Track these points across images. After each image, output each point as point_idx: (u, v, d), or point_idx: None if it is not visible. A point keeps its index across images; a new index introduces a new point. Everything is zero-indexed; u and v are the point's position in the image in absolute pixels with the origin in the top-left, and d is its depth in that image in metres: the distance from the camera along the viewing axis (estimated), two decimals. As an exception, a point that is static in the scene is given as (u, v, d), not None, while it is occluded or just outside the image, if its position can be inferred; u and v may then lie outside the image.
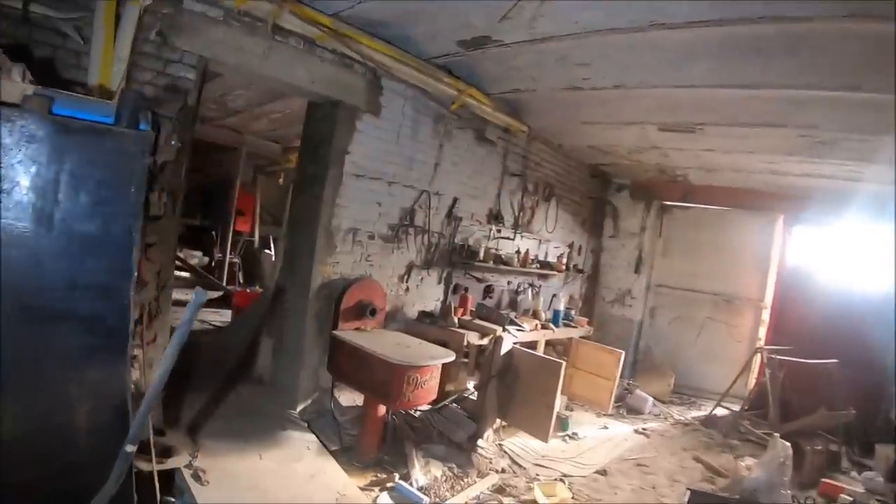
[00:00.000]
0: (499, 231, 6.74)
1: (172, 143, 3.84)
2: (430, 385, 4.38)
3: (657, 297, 9.22)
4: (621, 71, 4.82)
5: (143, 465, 3.39)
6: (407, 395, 4.23)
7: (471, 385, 5.85)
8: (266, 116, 8.63)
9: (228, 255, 10.60)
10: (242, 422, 4.64)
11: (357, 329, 4.92)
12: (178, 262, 10.46)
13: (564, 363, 5.15)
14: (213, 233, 10.92)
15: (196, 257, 11.11)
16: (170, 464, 3.69)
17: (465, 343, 5.27)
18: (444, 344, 5.17)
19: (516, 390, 5.32)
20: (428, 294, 5.95)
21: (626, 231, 9.07)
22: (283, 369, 5.15)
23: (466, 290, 6.24)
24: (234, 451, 4.17)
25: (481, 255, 6.23)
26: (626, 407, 7.37)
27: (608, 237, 9.19)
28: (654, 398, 7.67)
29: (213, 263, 10.87)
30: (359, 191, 5.05)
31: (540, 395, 5.14)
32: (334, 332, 4.77)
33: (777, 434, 5.41)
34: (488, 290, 6.76)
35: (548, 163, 7.44)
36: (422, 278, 5.81)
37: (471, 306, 5.99)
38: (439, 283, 6.04)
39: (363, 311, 4.90)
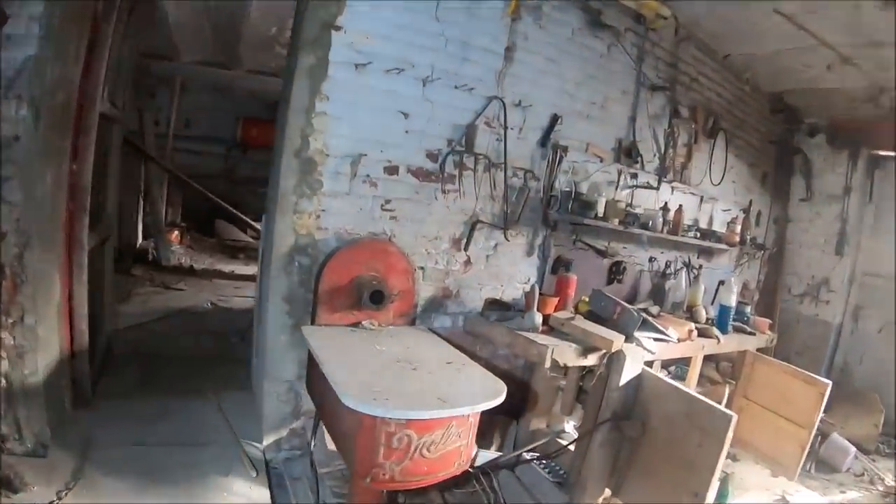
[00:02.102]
0: (634, 176, 3.99)
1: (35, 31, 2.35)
2: (441, 451, 1.96)
3: (864, 292, 5.68)
4: None
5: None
6: (386, 468, 1.88)
7: (569, 426, 3.31)
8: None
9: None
10: (175, 452, 2.68)
11: (354, 325, 2.67)
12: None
13: (735, 417, 2.40)
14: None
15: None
16: (15, 500, 2.26)
17: (547, 362, 2.75)
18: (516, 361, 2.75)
19: (642, 448, 2.70)
20: (509, 272, 3.48)
21: (822, 193, 5.63)
22: (257, 378, 3.08)
23: (568, 267, 3.57)
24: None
25: (600, 209, 3.56)
26: (814, 458, 4.21)
27: (798, 201, 5.82)
28: (856, 445, 4.42)
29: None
30: (363, 91, 2.75)
31: (683, 468, 2.48)
32: (305, 328, 2.57)
33: None
34: (616, 271, 4.06)
35: (708, 80, 4.46)
36: (495, 245, 3.36)
37: (575, 294, 3.33)
38: (529, 253, 3.52)
39: (360, 295, 2.63)
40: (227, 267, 7.44)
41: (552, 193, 3.46)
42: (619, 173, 3.87)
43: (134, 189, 6.56)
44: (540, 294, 3.05)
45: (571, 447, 3.01)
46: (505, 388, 2.12)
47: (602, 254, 3.90)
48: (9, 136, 2.30)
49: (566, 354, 2.75)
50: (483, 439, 3.26)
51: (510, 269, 3.44)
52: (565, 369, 3.07)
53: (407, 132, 2.92)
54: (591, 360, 2.84)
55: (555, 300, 3.15)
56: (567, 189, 3.49)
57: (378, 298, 2.63)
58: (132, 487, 2.40)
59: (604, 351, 2.81)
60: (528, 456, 3.01)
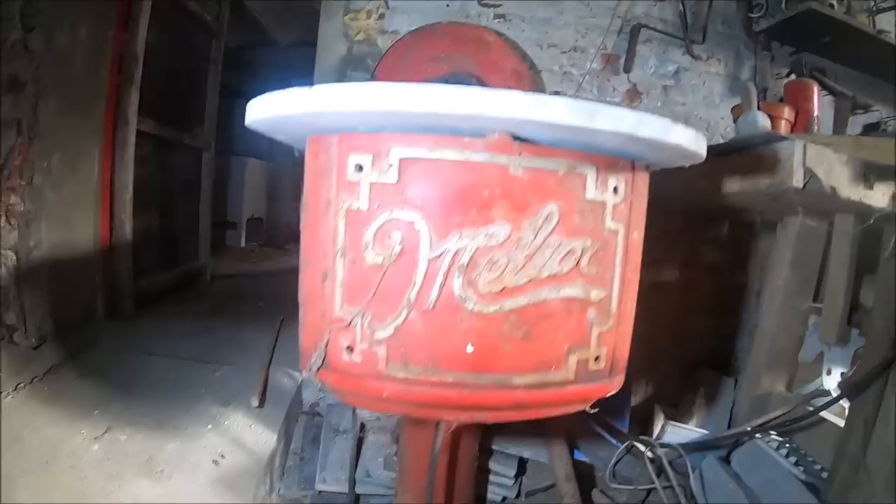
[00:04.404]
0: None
1: None
2: (538, 288, 0.64)
3: None
4: None
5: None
6: (355, 324, 0.64)
7: (831, 381, 1.53)
8: None
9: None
10: (179, 365, 1.83)
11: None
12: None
13: None
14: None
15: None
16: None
17: (797, 176, 1.10)
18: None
19: None
20: (703, 115, 1.89)
21: None
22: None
23: (800, 69, 1.83)
24: (82, 411, 1.52)
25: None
26: None
27: None
28: None
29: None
30: None
31: None
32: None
33: None
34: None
35: None
36: (676, 69, 1.85)
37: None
38: (734, 90, 1.88)
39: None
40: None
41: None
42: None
43: (296, 171, 6.35)
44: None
45: (834, 419, 1.34)
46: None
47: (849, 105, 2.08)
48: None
49: (835, 170, 1.16)
50: (675, 402, 1.75)
51: (705, 112, 1.89)
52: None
53: None
54: (881, 195, 1.20)
55: (787, 112, 1.57)
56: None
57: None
58: (100, 394, 1.60)
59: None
60: (759, 439, 1.42)
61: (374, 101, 0.54)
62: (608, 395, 0.77)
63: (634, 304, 0.75)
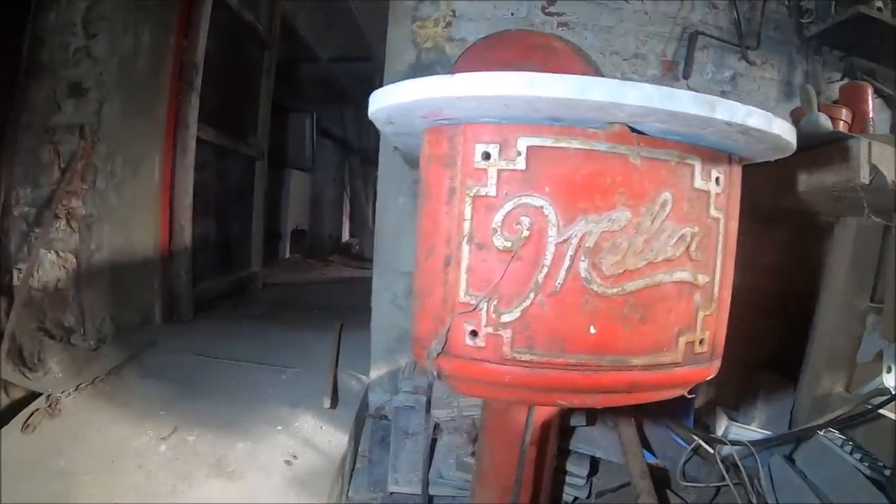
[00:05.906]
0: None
1: None
2: (653, 274, 0.68)
3: None
4: None
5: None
6: (482, 306, 0.67)
7: (892, 379, 1.51)
8: None
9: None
10: (242, 367, 1.86)
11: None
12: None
13: None
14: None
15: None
16: (26, 382, 1.65)
17: (864, 172, 1.12)
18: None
19: None
20: None
21: None
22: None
23: (853, 72, 1.88)
24: (147, 411, 1.56)
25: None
26: None
27: None
28: None
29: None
30: None
31: None
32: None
33: None
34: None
35: None
36: (732, 75, 1.87)
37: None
38: (787, 95, 1.90)
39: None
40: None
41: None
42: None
43: (338, 184, 6.46)
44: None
45: (894, 416, 1.33)
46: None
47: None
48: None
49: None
50: (736, 404, 1.74)
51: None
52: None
53: None
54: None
55: (844, 114, 1.60)
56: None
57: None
58: (164, 395, 1.63)
59: None
60: (823, 437, 1.41)
61: (516, 87, 0.58)
62: (708, 378, 0.79)
63: (731, 290, 0.78)
